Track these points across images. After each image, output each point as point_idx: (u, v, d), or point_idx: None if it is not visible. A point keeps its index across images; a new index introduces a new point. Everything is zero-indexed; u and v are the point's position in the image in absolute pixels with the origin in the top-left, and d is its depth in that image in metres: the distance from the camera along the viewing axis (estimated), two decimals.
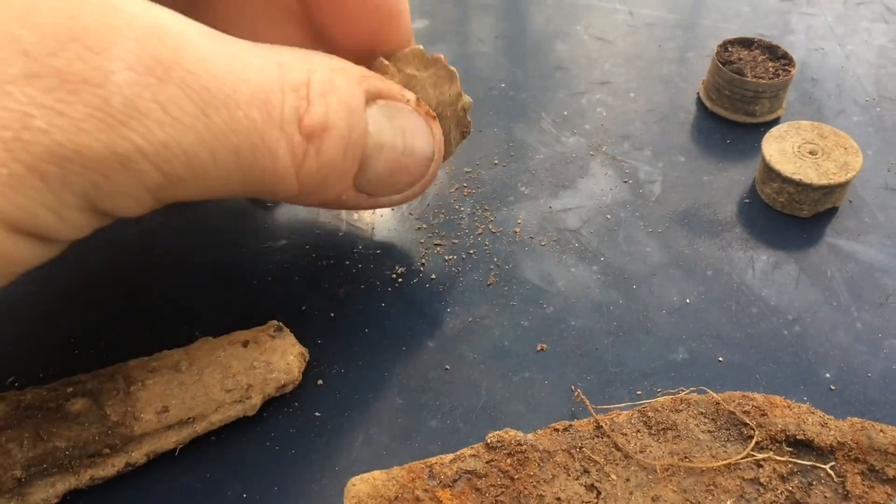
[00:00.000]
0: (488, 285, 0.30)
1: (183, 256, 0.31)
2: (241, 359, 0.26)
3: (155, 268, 0.31)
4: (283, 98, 0.20)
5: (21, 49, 0.16)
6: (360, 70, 0.23)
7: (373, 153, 0.23)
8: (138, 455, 0.24)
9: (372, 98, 0.23)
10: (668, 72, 0.41)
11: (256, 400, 0.25)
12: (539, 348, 0.28)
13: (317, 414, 0.26)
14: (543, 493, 0.23)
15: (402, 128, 0.24)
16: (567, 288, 0.30)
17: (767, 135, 0.33)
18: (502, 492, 0.23)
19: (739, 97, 0.37)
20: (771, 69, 0.37)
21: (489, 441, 0.24)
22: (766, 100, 0.37)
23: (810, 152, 0.32)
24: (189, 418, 0.25)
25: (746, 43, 0.39)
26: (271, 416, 0.26)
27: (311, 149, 0.21)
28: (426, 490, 0.23)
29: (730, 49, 0.39)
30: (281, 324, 0.27)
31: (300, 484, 0.25)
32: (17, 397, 0.25)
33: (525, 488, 0.23)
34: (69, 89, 0.16)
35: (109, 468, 0.24)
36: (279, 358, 0.26)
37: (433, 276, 0.31)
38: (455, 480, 0.24)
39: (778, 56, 0.38)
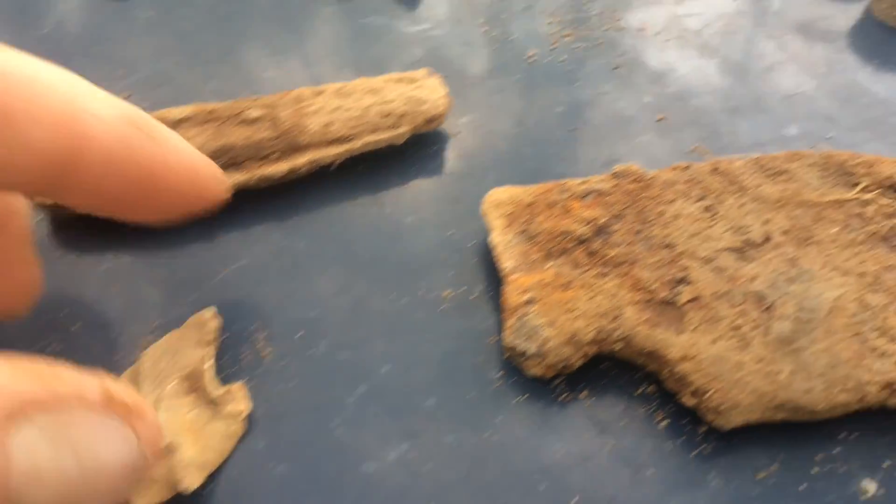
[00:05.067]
0: (614, 69, 0.33)
1: None
2: (396, 91, 0.29)
3: None
4: None
5: None
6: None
7: (27, 488, 0.16)
8: (302, 162, 0.27)
9: (21, 415, 0.16)
10: None
11: (406, 128, 0.28)
12: (659, 118, 0.31)
13: (454, 156, 0.29)
14: (663, 210, 0.26)
15: (74, 444, 0.17)
16: (688, 74, 0.32)
17: None
18: (627, 206, 0.26)
19: None
20: None
21: (616, 170, 0.27)
22: None
23: None
24: (348, 136, 0.28)
25: None
26: (414, 153, 0.29)
27: None
28: (560, 200, 0.26)
29: None
30: (431, 69, 0.30)
31: (437, 206, 0.28)
32: (202, 106, 0.28)
33: (647, 205, 0.26)
34: None
35: (276, 170, 0.27)
36: (430, 93, 0.29)
37: (563, 58, 0.33)
38: (585, 195, 0.26)
39: None
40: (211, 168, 0.22)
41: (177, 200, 0.22)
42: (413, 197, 0.28)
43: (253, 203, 0.27)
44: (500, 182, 0.28)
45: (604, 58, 0.33)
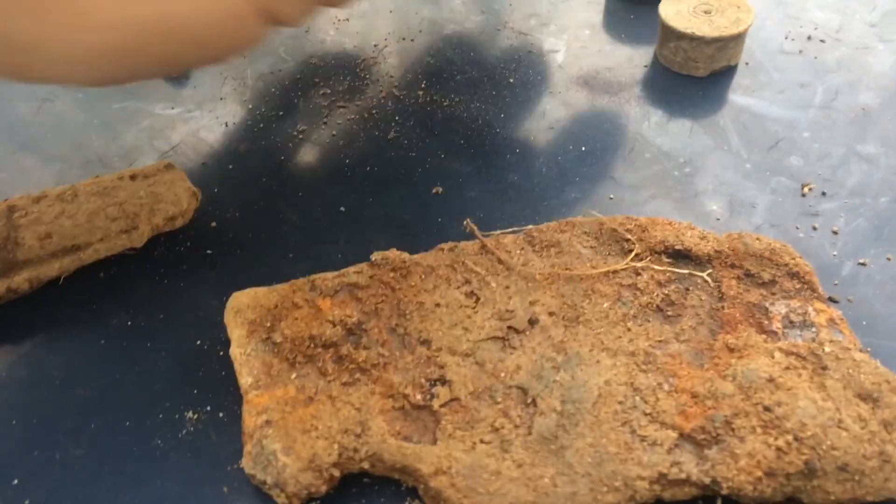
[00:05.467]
0: (389, 140, 0.30)
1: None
2: (128, 190, 0.26)
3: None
4: None
5: None
6: None
7: None
8: (20, 280, 0.24)
9: None
10: None
11: (144, 230, 0.25)
12: (435, 191, 0.28)
13: (208, 252, 0.27)
14: (423, 301, 0.24)
15: None
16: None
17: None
18: (383, 300, 0.24)
19: None
20: None
21: (374, 259, 0.25)
22: None
23: (705, 11, 0.33)
24: (73, 246, 0.25)
25: None
26: (161, 252, 0.26)
27: None
28: (306, 300, 0.24)
29: None
30: (171, 162, 0.27)
31: (187, 312, 0.25)
32: None
33: (406, 297, 0.24)
34: None
35: None
36: (167, 189, 0.26)
37: (334, 133, 0.31)
38: (337, 291, 0.24)
39: None
40: None
41: None
42: (158, 305, 0.25)
43: None
44: (257, 277, 0.25)
45: (379, 129, 0.31)
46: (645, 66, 0.34)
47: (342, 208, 0.28)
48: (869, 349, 0.22)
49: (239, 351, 0.22)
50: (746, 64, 0.34)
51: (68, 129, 0.31)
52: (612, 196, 0.28)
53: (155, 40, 0.18)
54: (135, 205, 0.25)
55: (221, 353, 0.24)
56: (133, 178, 0.26)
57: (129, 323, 0.24)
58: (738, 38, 0.32)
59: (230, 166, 0.29)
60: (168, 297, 0.25)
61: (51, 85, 0.24)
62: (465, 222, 0.26)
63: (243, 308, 0.23)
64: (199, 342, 0.24)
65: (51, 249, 0.24)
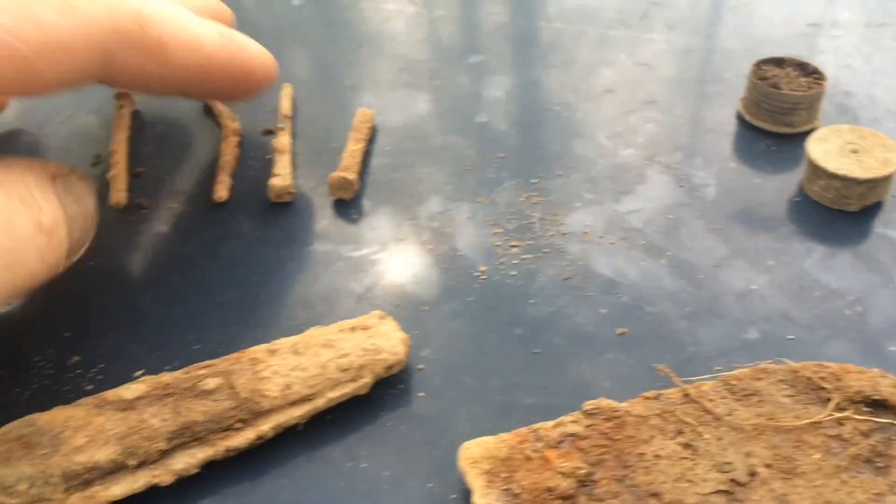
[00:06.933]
0: (565, 279, 0.32)
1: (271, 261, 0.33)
2: (352, 342, 0.28)
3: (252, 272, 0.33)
4: None
5: None
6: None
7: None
8: (267, 428, 0.26)
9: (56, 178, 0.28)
10: (708, 91, 0.44)
11: (368, 379, 0.27)
12: (619, 332, 0.30)
13: (421, 394, 0.28)
14: (643, 452, 0.25)
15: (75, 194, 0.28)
16: (639, 279, 0.32)
17: (810, 138, 0.36)
18: (605, 451, 0.25)
19: (777, 109, 0.40)
20: (804, 83, 0.40)
21: (587, 409, 0.27)
22: (802, 111, 0.40)
23: (852, 151, 0.35)
24: (310, 395, 0.27)
25: (779, 62, 0.42)
26: (380, 396, 0.28)
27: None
28: (535, 451, 0.25)
29: (763, 67, 0.41)
30: (383, 312, 0.29)
31: (412, 454, 0.27)
32: (155, 380, 0.27)
33: (626, 448, 0.25)
34: None
35: (242, 440, 0.26)
36: (386, 341, 0.28)
37: (513, 273, 0.33)
38: (560, 442, 0.26)
39: (809, 72, 0.41)
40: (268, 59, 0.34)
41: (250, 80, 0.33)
42: (386, 446, 0.27)
43: (219, 472, 0.26)
44: (472, 421, 0.27)
45: (553, 268, 0.33)
46: (795, 200, 0.36)
47: (535, 350, 0.30)
48: None
49: (482, 502, 0.24)
50: (894, 196, 0.35)
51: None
52: (790, 336, 0.30)
53: None
54: (360, 356, 0.27)
55: (455, 497, 0.25)
56: (353, 329, 0.28)
57: (364, 466, 0.26)
58: (889, 178, 0.34)
59: (424, 308, 0.31)
60: (392, 440, 0.27)
61: None
62: (660, 367, 0.28)
63: (478, 458, 0.25)
64: (430, 485, 0.26)
65: (291, 399, 0.26)
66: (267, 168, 0.38)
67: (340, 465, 0.26)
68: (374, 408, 0.28)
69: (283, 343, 0.28)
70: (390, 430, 0.27)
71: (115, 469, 0.25)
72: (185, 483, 0.25)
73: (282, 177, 0.36)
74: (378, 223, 0.36)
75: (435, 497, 0.26)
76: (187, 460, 0.25)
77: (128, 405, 0.26)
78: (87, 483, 0.25)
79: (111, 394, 0.27)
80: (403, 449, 0.27)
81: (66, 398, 0.27)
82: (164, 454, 0.25)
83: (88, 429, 0.25)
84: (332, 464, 0.27)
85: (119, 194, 0.36)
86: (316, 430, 0.27)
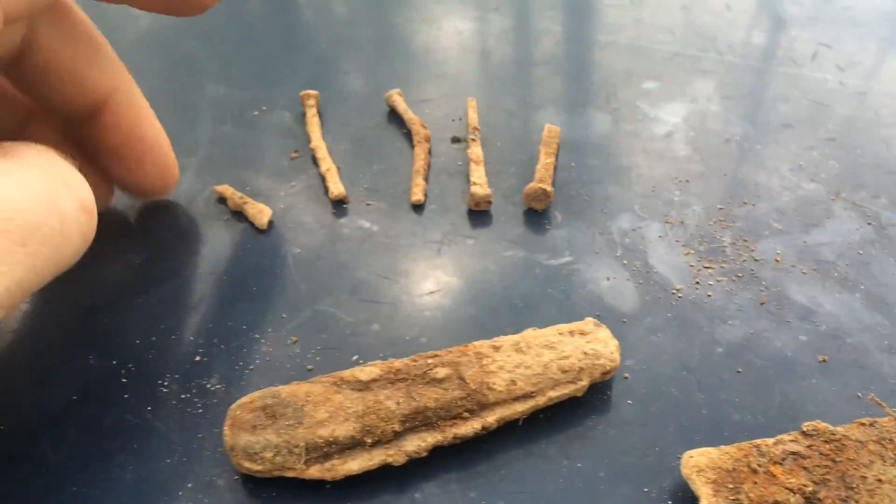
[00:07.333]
0: (761, 304, 0.33)
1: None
2: (571, 345, 0.29)
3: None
4: None
5: None
6: None
7: None
8: (492, 420, 0.27)
9: None
10: (887, 134, 0.44)
11: (585, 382, 0.28)
12: (821, 359, 0.31)
13: (629, 402, 0.29)
14: (865, 476, 0.26)
15: None
16: (834, 310, 0.33)
17: None
18: (828, 471, 0.26)
19: None
20: None
21: (805, 429, 0.27)
22: None
23: None
24: (532, 392, 0.28)
25: None
26: (589, 400, 0.29)
27: None
28: (759, 465, 0.26)
29: None
30: (596, 320, 0.30)
31: (625, 458, 0.28)
32: (386, 365, 0.28)
33: (848, 470, 0.26)
34: None
35: (469, 428, 0.27)
36: (604, 347, 0.29)
37: (709, 294, 0.34)
38: (783, 459, 0.26)
39: None
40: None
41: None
42: (599, 449, 0.28)
43: (440, 458, 0.27)
44: (681, 432, 0.28)
45: (749, 292, 0.34)
46: None
47: (738, 369, 0.30)
48: None
49: None
50: None
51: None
52: None
53: None
54: (579, 360, 0.28)
55: (670, 502, 0.26)
56: (571, 333, 0.29)
57: (579, 465, 0.27)
58: None
59: (624, 320, 0.32)
60: (605, 444, 0.28)
61: None
62: (869, 396, 0.28)
63: (704, 467, 0.26)
64: (646, 489, 0.27)
65: (514, 394, 0.28)
66: (454, 174, 0.39)
67: (557, 463, 0.27)
68: (584, 410, 0.29)
69: (505, 340, 0.29)
70: (601, 433, 0.28)
71: (353, 445, 0.26)
72: (410, 465, 0.27)
73: (481, 185, 0.38)
74: (571, 235, 0.37)
75: (651, 502, 0.26)
76: (418, 443, 0.27)
77: (363, 386, 0.28)
78: (327, 456, 0.26)
79: (347, 373, 0.28)
80: (615, 453, 0.28)
81: (289, 376, 0.29)
82: (397, 435, 0.27)
83: (328, 405, 0.27)
84: (548, 461, 0.28)
85: (339, 187, 0.38)
86: (531, 427, 0.28)
